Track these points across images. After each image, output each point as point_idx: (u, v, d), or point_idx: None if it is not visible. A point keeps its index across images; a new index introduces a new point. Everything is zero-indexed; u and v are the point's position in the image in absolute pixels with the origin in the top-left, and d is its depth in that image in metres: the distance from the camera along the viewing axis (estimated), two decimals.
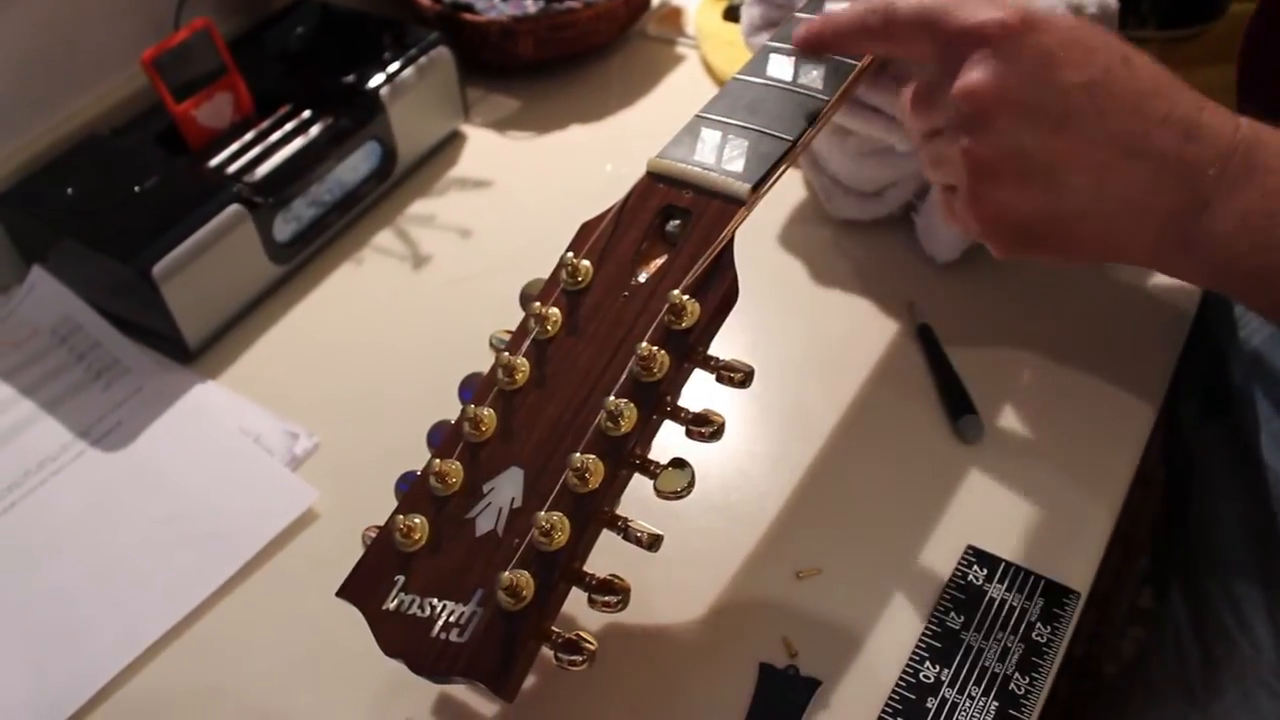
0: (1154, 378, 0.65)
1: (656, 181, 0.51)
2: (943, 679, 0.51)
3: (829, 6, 0.62)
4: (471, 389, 0.49)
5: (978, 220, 0.49)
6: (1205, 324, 0.72)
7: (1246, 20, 0.69)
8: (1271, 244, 0.46)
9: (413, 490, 0.46)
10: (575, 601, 0.43)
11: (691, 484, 0.44)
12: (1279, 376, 0.67)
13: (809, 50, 0.56)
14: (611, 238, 0.50)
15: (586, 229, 0.51)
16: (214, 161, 0.75)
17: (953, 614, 0.53)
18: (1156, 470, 0.80)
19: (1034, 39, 0.46)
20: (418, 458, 0.47)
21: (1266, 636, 0.62)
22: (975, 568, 0.55)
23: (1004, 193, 0.48)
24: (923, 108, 0.52)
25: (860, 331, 0.68)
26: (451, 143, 0.87)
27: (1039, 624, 0.52)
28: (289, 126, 0.78)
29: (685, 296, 0.45)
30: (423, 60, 0.81)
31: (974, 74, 0.47)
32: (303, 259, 0.76)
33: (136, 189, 0.71)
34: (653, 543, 0.44)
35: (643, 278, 0.48)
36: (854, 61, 0.57)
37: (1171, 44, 0.87)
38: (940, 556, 0.56)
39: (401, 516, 0.44)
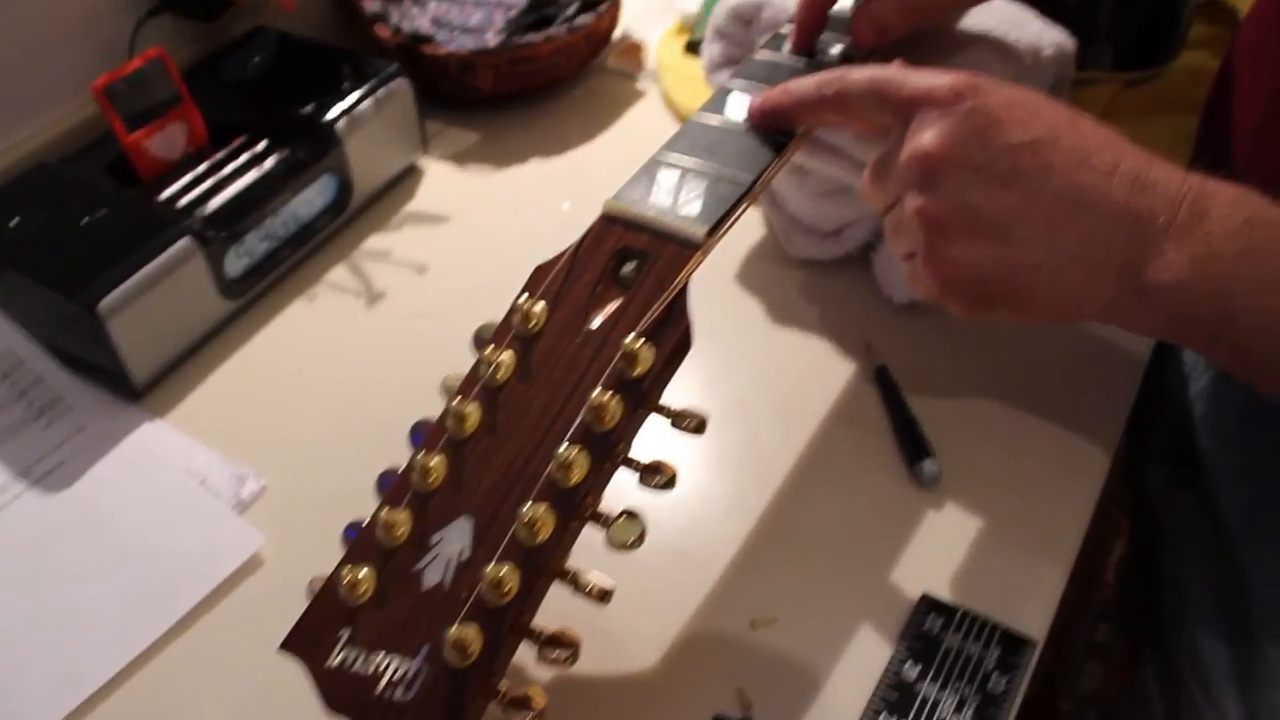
0: (1109, 420, 0.65)
1: (612, 223, 0.50)
2: None
3: (788, 46, 0.62)
4: (422, 434, 0.47)
5: (935, 279, 0.49)
6: (1165, 384, 0.73)
7: (1213, 75, 0.69)
8: (1223, 291, 0.46)
9: (359, 540, 0.45)
10: (526, 653, 0.42)
11: (643, 535, 0.43)
12: (1246, 449, 0.67)
13: (766, 123, 0.55)
14: (565, 281, 0.49)
15: (541, 271, 0.50)
16: (165, 194, 0.73)
17: (909, 664, 0.52)
18: (1112, 505, 0.80)
19: (981, 101, 0.47)
20: (367, 502, 0.45)
21: (1236, 714, 0.61)
22: (931, 616, 0.54)
23: (957, 249, 0.48)
24: (880, 179, 0.52)
25: (817, 373, 0.68)
26: (409, 177, 0.86)
27: (995, 673, 0.52)
28: (243, 158, 0.77)
29: (639, 343, 0.45)
30: (381, 92, 0.80)
31: (923, 136, 0.48)
32: (255, 294, 0.75)
33: (84, 221, 0.70)
34: (603, 596, 0.43)
35: (597, 323, 0.47)
36: None
37: (1127, 86, 0.87)
38: (897, 604, 0.55)
39: (347, 568, 0.43)
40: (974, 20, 0.68)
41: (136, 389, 0.69)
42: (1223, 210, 0.46)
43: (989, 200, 0.47)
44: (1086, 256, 0.47)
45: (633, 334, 0.45)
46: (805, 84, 0.54)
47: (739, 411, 0.66)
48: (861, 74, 0.52)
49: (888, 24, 0.60)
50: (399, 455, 0.46)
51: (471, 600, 0.41)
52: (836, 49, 0.61)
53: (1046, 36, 0.70)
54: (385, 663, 0.41)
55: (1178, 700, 0.66)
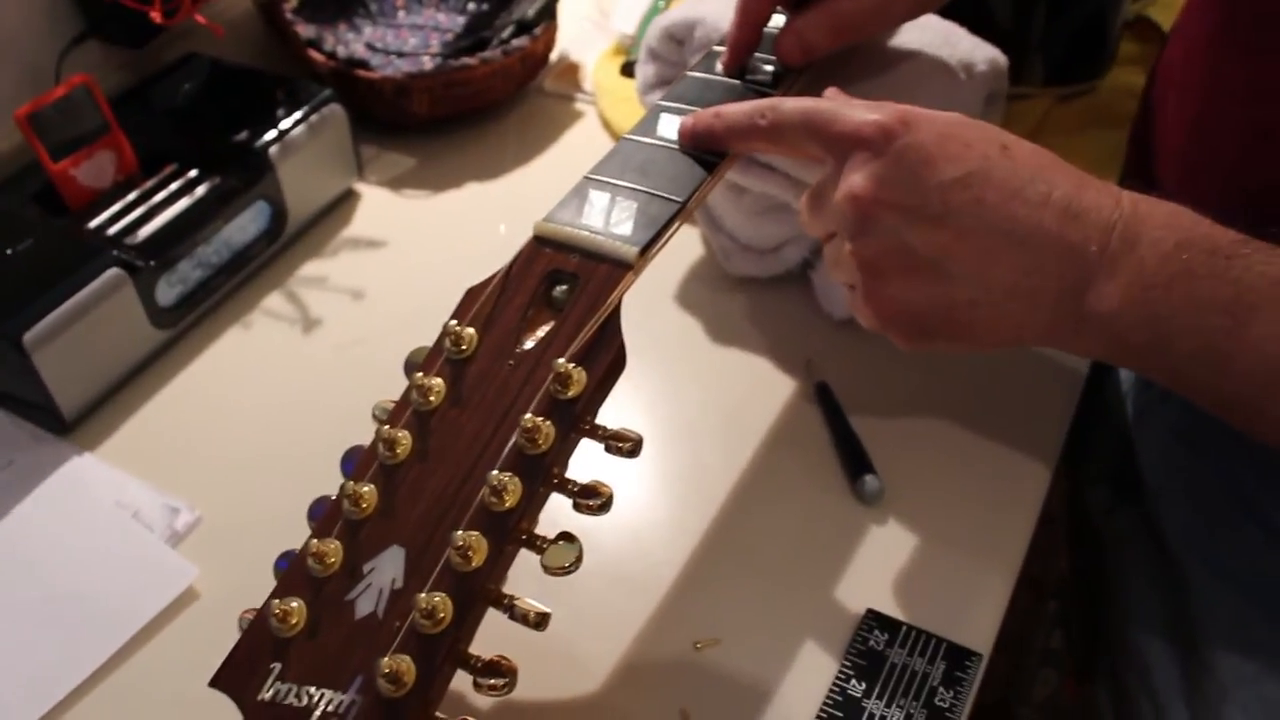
0: (1050, 433, 0.65)
1: (543, 245, 0.50)
2: None
3: (720, 65, 0.62)
4: (353, 462, 0.47)
5: (874, 316, 0.50)
6: (1104, 403, 0.73)
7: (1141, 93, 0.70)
8: (1158, 316, 0.47)
9: (290, 571, 0.44)
10: (464, 680, 0.41)
11: (579, 559, 0.42)
12: (1186, 467, 0.68)
13: (696, 145, 0.55)
14: (497, 304, 0.48)
15: (472, 294, 0.49)
16: (94, 222, 0.72)
17: (854, 681, 0.52)
18: (1058, 518, 0.81)
19: (911, 138, 0.47)
20: (303, 533, 0.44)
21: None
22: (876, 632, 0.54)
23: (894, 289, 0.49)
24: (817, 211, 0.53)
25: (758, 391, 0.68)
26: (345, 202, 0.85)
27: (941, 688, 0.52)
28: (174, 186, 0.76)
29: (571, 365, 0.44)
30: (314, 118, 0.79)
31: (854, 178, 0.48)
32: (188, 323, 0.74)
33: (9, 251, 0.68)
34: (539, 621, 0.42)
35: (528, 345, 0.47)
36: None
37: (1060, 101, 0.88)
38: (841, 621, 0.55)
39: (277, 600, 0.42)
40: (905, 38, 0.69)
41: (65, 422, 0.67)
42: (1155, 234, 0.46)
43: (923, 240, 0.47)
44: (1022, 289, 0.47)
45: (564, 356, 0.45)
46: (738, 110, 0.54)
47: (681, 431, 0.65)
48: (794, 106, 0.52)
49: (814, 44, 0.60)
50: (335, 483, 0.45)
51: (405, 629, 0.41)
52: (768, 69, 0.62)
53: (978, 53, 0.70)
54: (318, 696, 0.40)
55: (1128, 714, 0.66)
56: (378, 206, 0.85)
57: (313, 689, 0.41)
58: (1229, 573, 0.63)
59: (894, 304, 0.49)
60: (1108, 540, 0.73)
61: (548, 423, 0.43)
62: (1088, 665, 0.77)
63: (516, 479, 0.42)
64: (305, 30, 0.90)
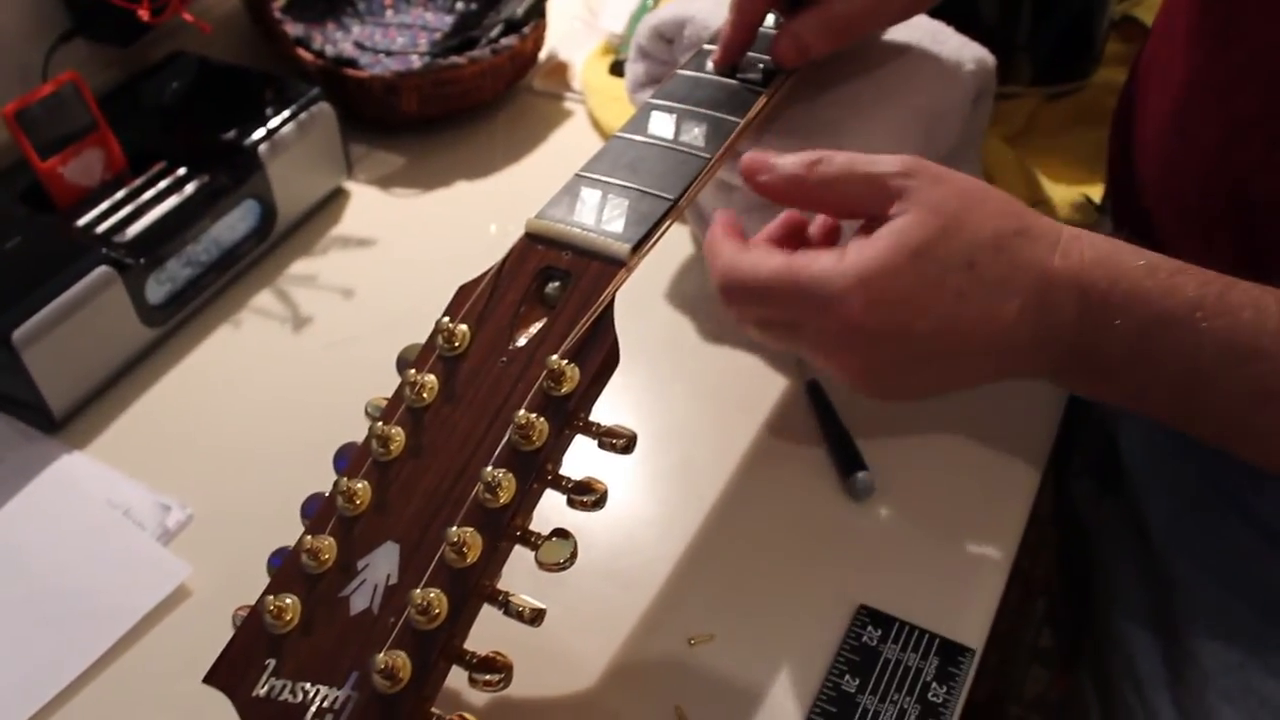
0: (1040, 430, 0.65)
1: (535, 242, 0.50)
2: None
3: (709, 64, 0.62)
4: (347, 459, 0.47)
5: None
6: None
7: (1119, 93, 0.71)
8: (1120, 394, 0.52)
9: (284, 568, 0.44)
10: (459, 677, 0.42)
11: (574, 555, 0.42)
12: (1169, 458, 0.68)
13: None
14: (489, 301, 0.48)
15: (464, 291, 0.49)
16: (82, 221, 0.72)
17: (848, 677, 0.52)
18: (1043, 502, 0.81)
19: (877, 318, 0.48)
20: (295, 530, 0.44)
21: (1169, 715, 0.62)
22: (869, 628, 0.54)
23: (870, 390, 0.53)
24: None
25: (750, 389, 0.68)
26: (334, 200, 0.85)
27: (934, 684, 0.52)
28: (163, 184, 0.75)
29: (564, 361, 0.44)
30: (303, 116, 0.79)
31: (836, 358, 0.51)
32: (177, 322, 0.73)
33: None
34: (534, 617, 0.42)
35: (521, 342, 0.47)
36: (735, 119, 0.57)
37: (1048, 100, 0.89)
38: (834, 617, 0.55)
39: (271, 597, 0.42)
40: (893, 35, 0.69)
41: (55, 420, 0.67)
42: (1116, 330, 0.48)
43: (912, 379, 0.52)
44: (992, 377, 0.53)
45: (557, 353, 0.45)
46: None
47: (672, 429, 0.66)
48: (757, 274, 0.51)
49: (810, 45, 0.61)
50: (327, 480, 0.45)
51: (400, 625, 0.41)
52: (759, 67, 0.62)
53: (966, 52, 0.71)
54: (313, 692, 0.41)
55: (1113, 705, 0.66)
56: (367, 205, 0.85)
57: (308, 685, 0.41)
58: (1211, 562, 0.64)
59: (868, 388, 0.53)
60: (1092, 531, 0.74)
61: (541, 419, 0.43)
62: (1073, 656, 0.77)
63: (510, 475, 0.42)
64: (293, 29, 0.90)
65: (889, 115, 0.67)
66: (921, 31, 0.70)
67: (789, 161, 0.52)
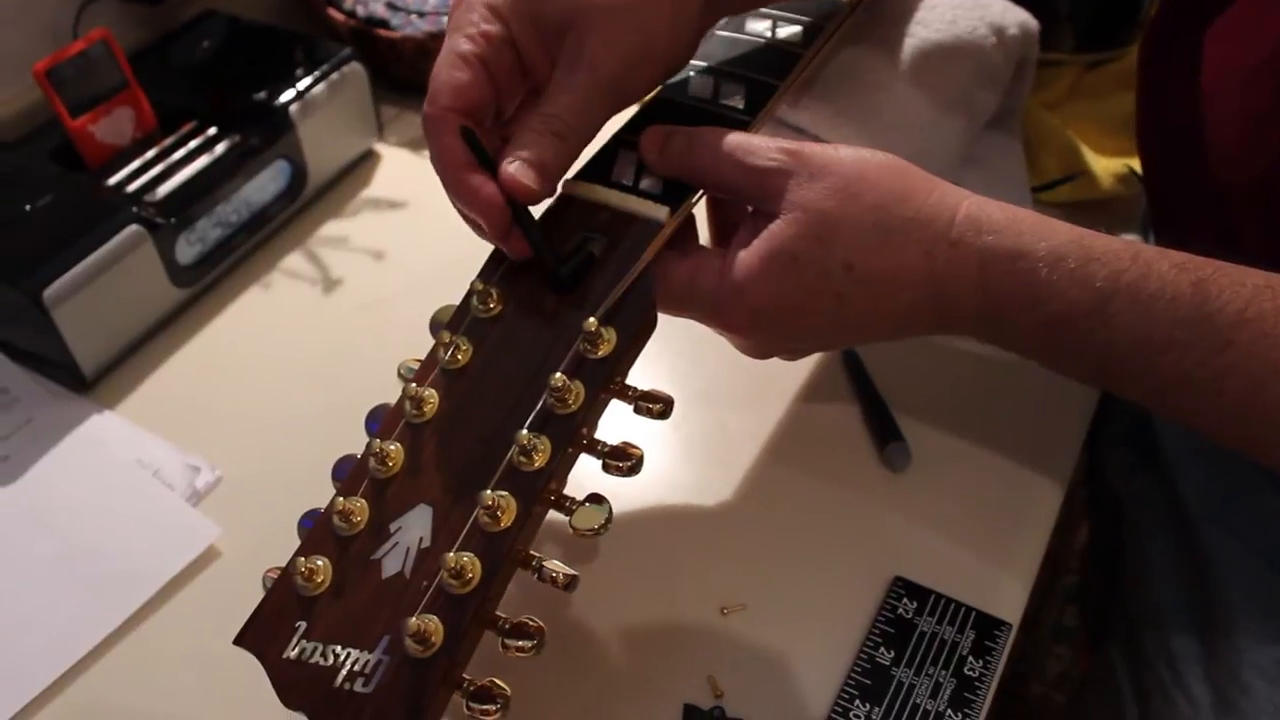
0: (1080, 401, 0.64)
1: (571, 203, 0.49)
2: (873, 717, 0.49)
3: (750, 24, 0.61)
4: (379, 421, 0.46)
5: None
6: None
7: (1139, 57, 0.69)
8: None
9: (315, 530, 0.43)
10: (490, 643, 0.41)
11: (609, 520, 0.42)
12: None
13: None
14: (524, 263, 0.48)
15: (499, 253, 0.48)
16: (113, 180, 0.71)
17: (882, 649, 0.52)
18: (1077, 489, 0.80)
19: (764, 331, 0.48)
20: (326, 491, 0.44)
21: (1203, 694, 0.61)
22: (905, 600, 0.53)
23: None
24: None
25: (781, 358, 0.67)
26: (364, 162, 0.84)
27: (970, 658, 0.51)
28: (193, 144, 0.75)
29: (601, 324, 0.43)
30: (334, 76, 0.78)
31: (731, 339, 0.51)
32: (207, 282, 0.73)
33: (28, 208, 0.68)
34: (568, 583, 0.41)
35: (557, 305, 0.46)
36: (776, 82, 0.56)
37: (1089, 68, 0.87)
38: (869, 589, 0.55)
39: (303, 559, 0.42)
40: (936, 0, 0.67)
41: (85, 379, 0.67)
42: (1018, 324, 0.46)
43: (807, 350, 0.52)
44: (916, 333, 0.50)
45: (594, 316, 0.44)
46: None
47: (703, 398, 0.65)
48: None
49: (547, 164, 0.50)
50: (358, 443, 0.45)
51: (432, 589, 0.40)
52: (796, 28, 0.60)
53: (1010, 15, 0.69)
54: (344, 655, 0.40)
55: (1144, 681, 0.66)
56: (398, 167, 0.84)
57: (338, 648, 0.40)
58: (1246, 536, 0.63)
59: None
60: (1126, 504, 0.73)
61: (577, 382, 0.43)
62: (1102, 632, 0.77)
63: (546, 439, 0.42)
64: None
65: (931, 80, 0.65)
66: None
67: (677, 145, 0.50)
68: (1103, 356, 0.45)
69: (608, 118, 0.50)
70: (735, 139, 0.48)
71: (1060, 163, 0.77)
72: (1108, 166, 0.77)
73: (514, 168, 0.47)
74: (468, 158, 0.47)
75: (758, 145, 0.48)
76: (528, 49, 0.50)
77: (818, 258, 0.46)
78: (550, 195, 0.49)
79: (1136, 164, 0.76)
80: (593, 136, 0.50)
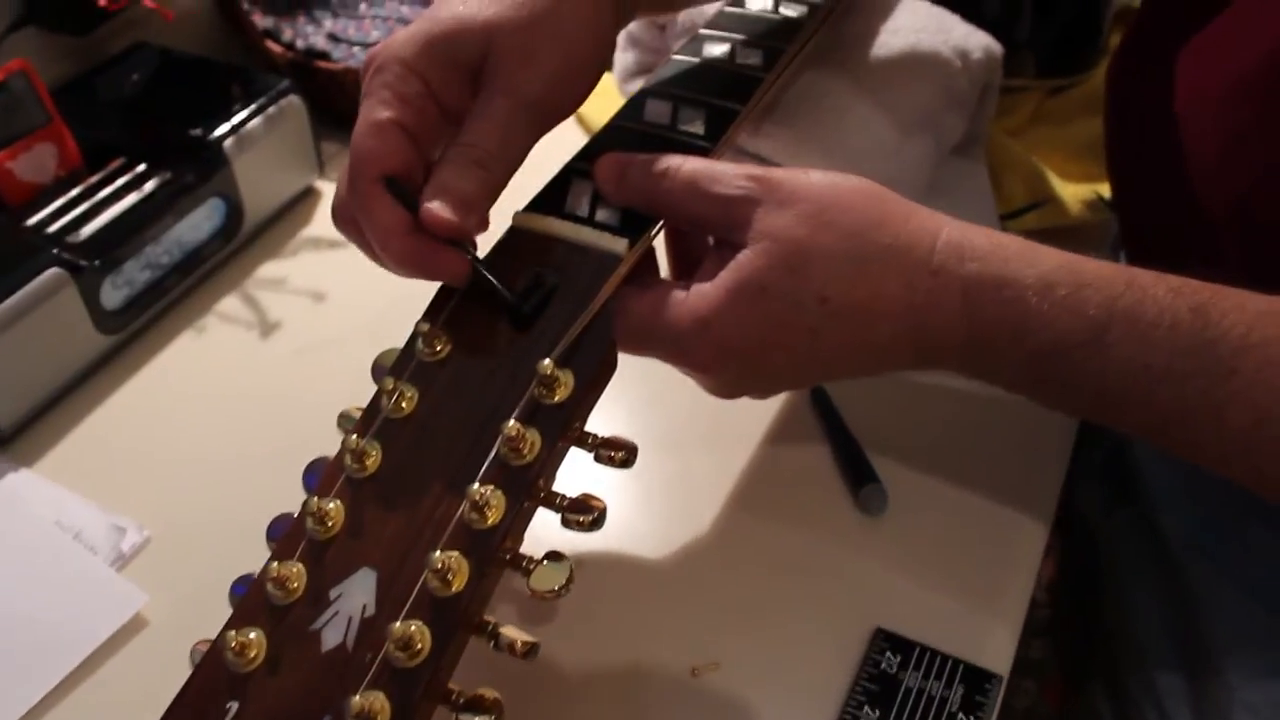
0: (1059, 433, 0.62)
1: (522, 238, 0.46)
2: None
3: (708, 48, 0.58)
4: (317, 476, 0.42)
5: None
6: None
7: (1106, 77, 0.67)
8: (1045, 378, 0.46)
9: (247, 599, 0.40)
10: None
11: (570, 580, 0.39)
12: (1189, 466, 0.65)
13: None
14: (473, 303, 0.44)
15: (445, 292, 0.45)
16: (33, 220, 0.67)
17: (867, 708, 0.48)
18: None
19: (732, 370, 0.45)
20: (261, 554, 0.40)
21: None
22: (888, 654, 0.50)
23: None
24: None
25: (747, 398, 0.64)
26: (304, 200, 0.81)
27: (960, 714, 0.48)
28: (121, 181, 0.71)
29: (557, 367, 0.40)
30: (272, 110, 0.75)
31: (698, 379, 0.48)
32: (136, 328, 0.69)
33: None
34: (528, 651, 0.38)
35: (509, 346, 0.43)
36: (737, 107, 0.53)
37: (1050, 94, 0.86)
38: (849, 642, 0.52)
39: (233, 632, 0.38)
40: (899, 23, 0.65)
41: (1, 434, 0.63)
42: (1007, 358, 0.44)
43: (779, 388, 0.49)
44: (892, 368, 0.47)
45: (549, 358, 0.41)
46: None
47: (666, 442, 0.62)
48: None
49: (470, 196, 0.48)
50: (296, 499, 0.41)
51: (378, 663, 0.37)
52: (758, 51, 0.58)
53: (974, 39, 0.68)
54: None
55: (1128, 719, 0.64)
56: None
57: None
58: (1232, 570, 0.62)
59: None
60: (1102, 540, 0.72)
61: (533, 430, 0.40)
62: (1080, 672, 0.74)
63: (500, 493, 0.39)
64: (262, 21, 0.86)
65: (896, 104, 0.63)
66: (926, 17, 0.67)
67: (636, 174, 0.47)
68: (1097, 388, 0.43)
69: (533, 140, 0.48)
70: (697, 166, 0.46)
71: (1027, 189, 0.75)
72: (1075, 193, 0.75)
73: (435, 205, 0.44)
74: (410, 221, 0.44)
75: (722, 172, 0.45)
76: (450, 95, 0.47)
77: (789, 289, 0.43)
78: (478, 229, 0.46)
79: (1104, 190, 0.75)
80: (518, 162, 0.47)
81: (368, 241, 0.46)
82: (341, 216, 0.48)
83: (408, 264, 0.45)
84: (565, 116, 0.50)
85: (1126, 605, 0.67)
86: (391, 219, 0.44)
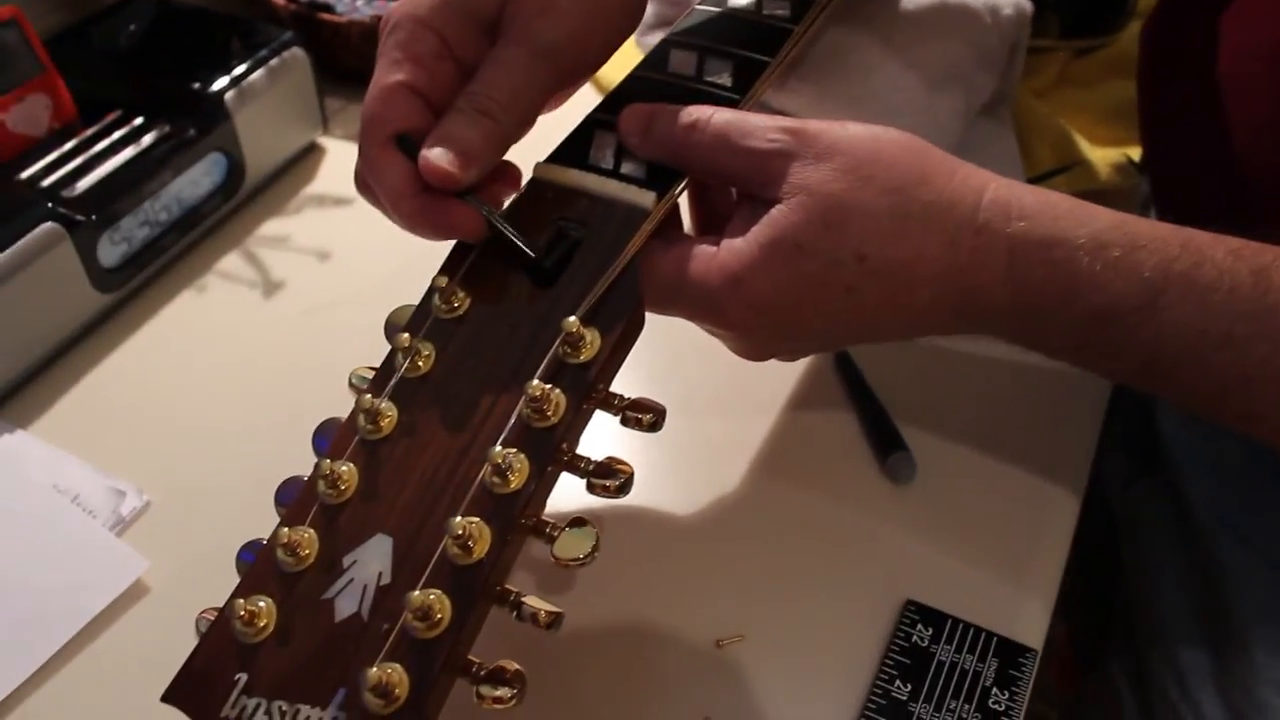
0: (1091, 398, 0.61)
1: (543, 190, 0.44)
2: None
3: (732, 1, 0.56)
4: (328, 438, 0.41)
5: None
6: None
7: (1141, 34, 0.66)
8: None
9: (256, 566, 0.38)
10: (463, 692, 0.36)
11: (596, 548, 0.37)
12: (1212, 433, 0.64)
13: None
14: (493, 257, 0.42)
15: (462, 246, 0.43)
16: (26, 173, 0.65)
17: (898, 682, 0.47)
18: None
19: (766, 324, 0.43)
20: (269, 519, 0.39)
21: (1215, 712, 0.58)
22: (919, 626, 0.49)
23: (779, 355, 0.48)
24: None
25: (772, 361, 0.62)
26: (308, 156, 0.79)
27: (995, 689, 0.47)
28: (118, 135, 0.69)
29: (582, 325, 0.39)
30: (274, 62, 0.73)
31: (729, 345, 0.47)
32: (134, 286, 0.67)
33: None
34: (551, 622, 0.37)
35: (532, 303, 0.41)
36: (765, 58, 0.51)
37: (1078, 55, 0.84)
38: (878, 614, 0.50)
39: (242, 600, 0.36)
40: None
41: None
42: (1053, 324, 0.42)
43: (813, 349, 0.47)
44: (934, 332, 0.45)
45: (574, 316, 0.39)
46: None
47: (688, 408, 0.60)
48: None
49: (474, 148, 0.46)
50: (304, 463, 0.40)
51: (394, 633, 0.35)
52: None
53: None
54: (292, 713, 0.35)
55: (1150, 698, 0.63)
56: (344, 162, 0.77)
57: (285, 704, 0.35)
58: (1260, 544, 0.61)
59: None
60: (1123, 514, 0.71)
61: (557, 391, 0.38)
62: (1096, 649, 0.74)
63: (523, 456, 0.37)
64: None
65: (926, 60, 0.61)
66: None
67: (663, 126, 0.45)
68: (1150, 355, 0.41)
69: (549, 93, 0.46)
70: (728, 118, 0.44)
71: (1055, 153, 0.73)
72: (1104, 156, 0.73)
73: (434, 153, 0.42)
74: (420, 180, 0.43)
75: (755, 125, 0.43)
76: (467, 51, 0.45)
77: (826, 246, 0.41)
78: (474, 181, 0.43)
79: (1134, 152, 0.73)
80: (531, 115, 0.45)
81: (379, 200, 0.45)
82: (360, 181, 0.46)
83: (418, 223, 0.43)
84: (588, 72, 0.48)
85: (1148, 578, 0.66)
86: (400, 179, 0.43)
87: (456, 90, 0.45)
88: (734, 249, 0.42)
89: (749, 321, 0.43)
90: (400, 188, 0.43)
